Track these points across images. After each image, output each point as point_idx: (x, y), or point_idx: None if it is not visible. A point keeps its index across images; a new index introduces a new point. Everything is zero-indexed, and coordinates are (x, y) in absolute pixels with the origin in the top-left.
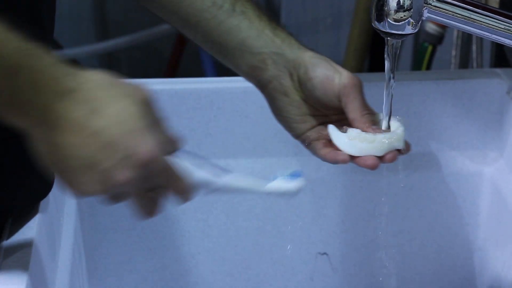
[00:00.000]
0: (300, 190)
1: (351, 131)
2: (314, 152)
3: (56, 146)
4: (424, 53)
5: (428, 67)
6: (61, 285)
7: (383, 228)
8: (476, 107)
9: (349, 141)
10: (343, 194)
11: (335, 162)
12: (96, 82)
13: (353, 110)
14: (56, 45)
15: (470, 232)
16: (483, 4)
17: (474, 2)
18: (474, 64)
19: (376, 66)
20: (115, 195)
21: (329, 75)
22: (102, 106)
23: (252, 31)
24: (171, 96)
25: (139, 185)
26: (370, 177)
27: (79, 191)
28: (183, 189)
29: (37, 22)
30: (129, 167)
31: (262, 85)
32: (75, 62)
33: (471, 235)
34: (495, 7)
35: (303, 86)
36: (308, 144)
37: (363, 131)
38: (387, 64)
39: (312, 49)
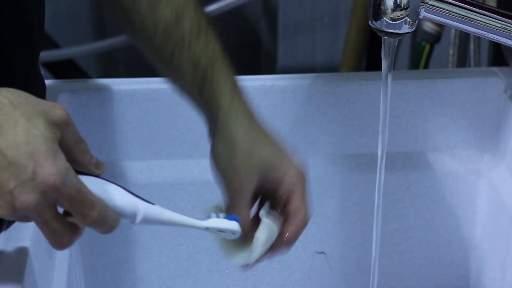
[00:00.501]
0: (239, 232)
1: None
2: None
3: None
4: (421, 52)
5: (426, 66)
6: (58, 285)
7: (380, 227)
8: (473, 106)
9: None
10: (340, 193)
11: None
12: (5, 100)
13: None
14: (51, 43)
15: (467, 231)
16: (480, 3)
17: (471, 1)
18: (472, 63)
19: (373, 65)
20: (24, 218)
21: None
22: (6, 126)
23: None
24: (168, 95)
25: (45, 210)
26: (367, 176)
27: None
28: (94, 218)
29: (21, 16)
30: (32, 190)
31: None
32: (73, 61)
33: (468, 234)
34: (492, 6)
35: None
36: None
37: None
38: (384, 63)
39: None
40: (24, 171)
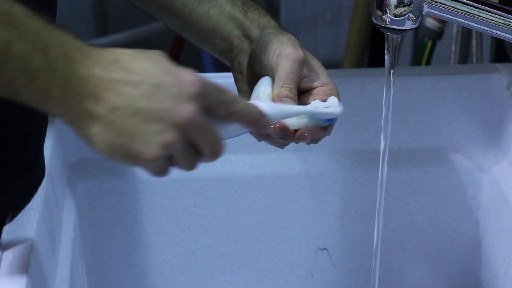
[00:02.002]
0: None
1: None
2: None
3: (109, 113)
4: (424, 48)
5: (428, 62)
6: (61, 281)
7: (383, 223)
8: (475, 102)
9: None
10: (342, 189)
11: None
12: (114, 50)
13: (276, 79)
14: None
15: (470, 227)
16: None
17: None
18: (474, 59)
19: (375, 61)
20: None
21: (269, 47)
22: (129, 61)
23: (221, 17)
24: None
25: (202, 117)
26: (370, 172)
27: (151, 150)
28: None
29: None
30: (187, 99)
31: (230, 66)
32: None
33: (471, 230)
34: (495, 2)
35: (251, 61)
36: None
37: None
38: (387, 59)
39: (281, 29)
40: (170, 86)
